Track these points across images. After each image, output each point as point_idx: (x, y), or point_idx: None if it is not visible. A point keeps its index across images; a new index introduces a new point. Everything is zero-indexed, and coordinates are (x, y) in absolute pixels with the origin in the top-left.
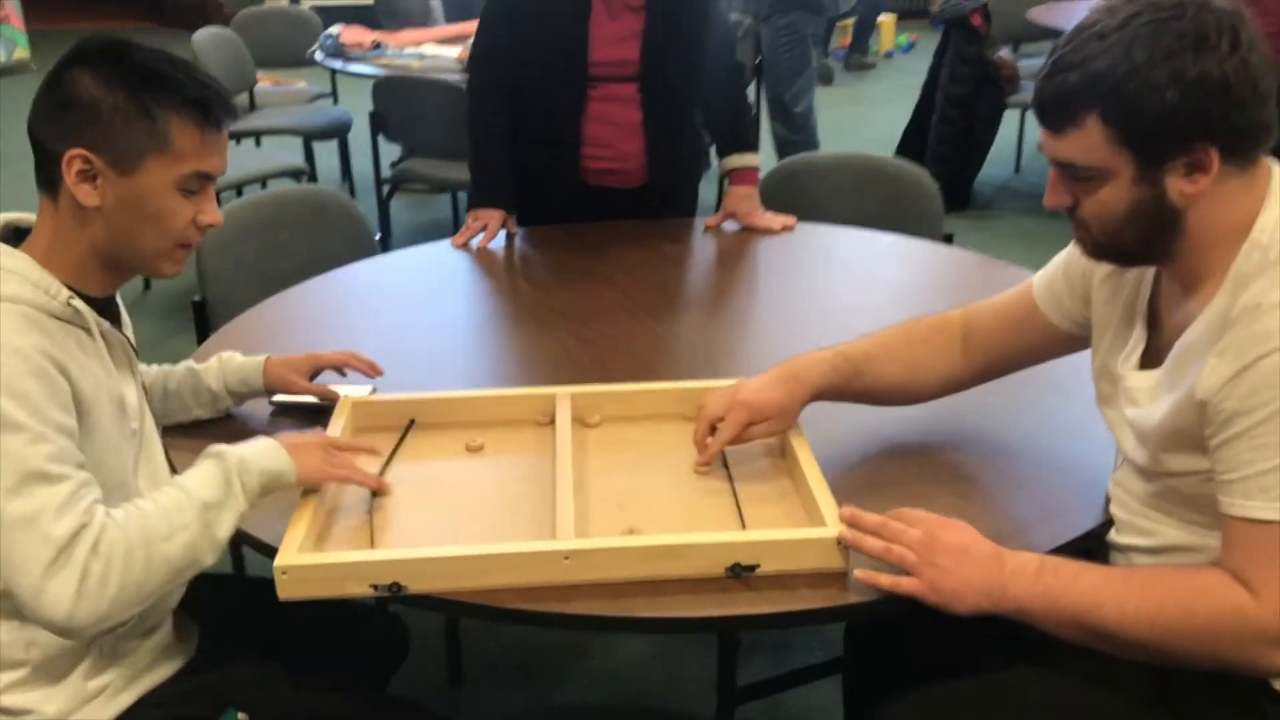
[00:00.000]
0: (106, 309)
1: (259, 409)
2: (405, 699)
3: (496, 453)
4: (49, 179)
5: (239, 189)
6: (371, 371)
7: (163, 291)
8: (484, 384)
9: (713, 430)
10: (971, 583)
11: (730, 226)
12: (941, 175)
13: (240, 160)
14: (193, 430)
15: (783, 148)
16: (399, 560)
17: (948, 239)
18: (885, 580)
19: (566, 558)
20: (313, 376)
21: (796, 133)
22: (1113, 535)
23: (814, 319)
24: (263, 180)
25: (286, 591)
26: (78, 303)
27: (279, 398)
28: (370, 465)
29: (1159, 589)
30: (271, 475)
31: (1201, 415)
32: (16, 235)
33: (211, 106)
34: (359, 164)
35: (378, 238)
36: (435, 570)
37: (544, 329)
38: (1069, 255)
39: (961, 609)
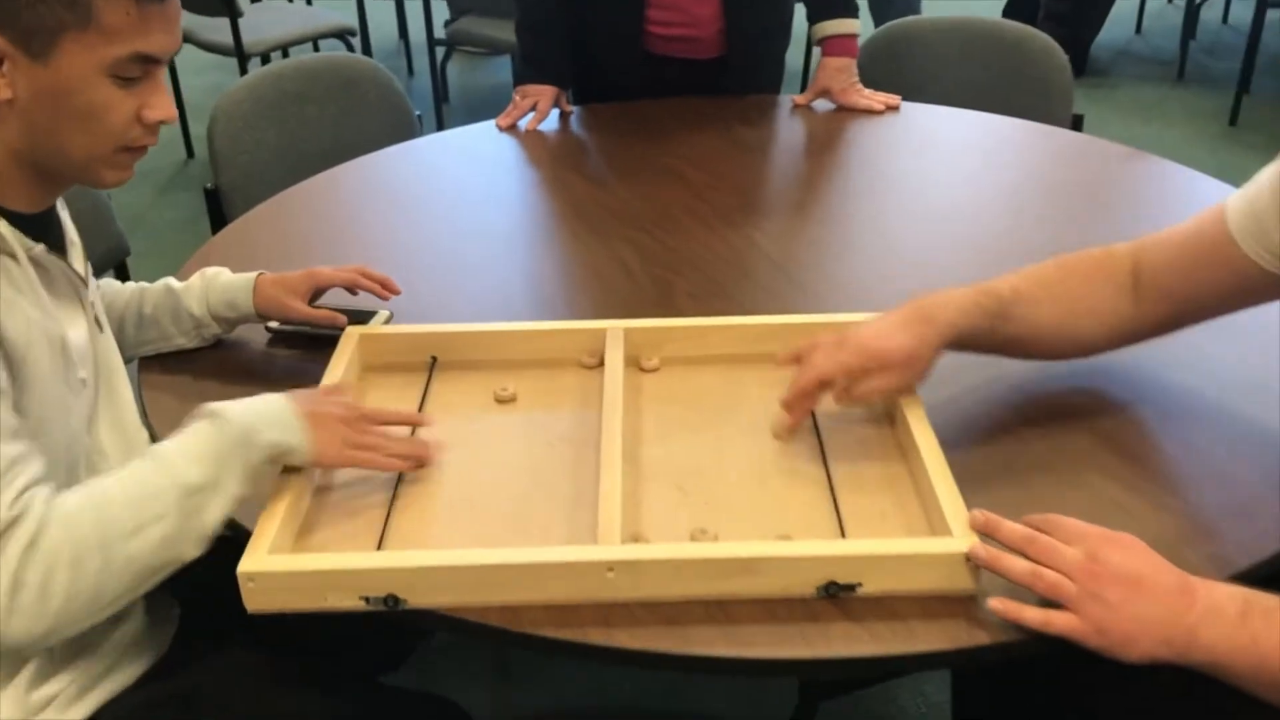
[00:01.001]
0: (41, 228)
1: (254, 336)
2: (412, 690)
3: (530, 406)
4: None
5: (285, 51)
6: (385, 292)
7: (206, 163)
8: (521, 309)
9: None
10: (1148, 623)
11: (822, 106)
12: (1056, 38)
13: (286, 18)
14: (174, 363)
15: (879, 10)
16: (395, 569)
17: (1077, 121)
18: (1033, 616)
19: (611, 570)
20: (314, 297)
21: None
22: None
23: (926, 226)
24: (312, 41)
25: (255, 603)
26: None
27: (275, 324)
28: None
29: None
30: (279, 450)
31: None
32: None
33: None
34: (415, 24)
35: (417, 114)
36: (441, 582)
37: (596, 237)
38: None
39: (1133, 656)
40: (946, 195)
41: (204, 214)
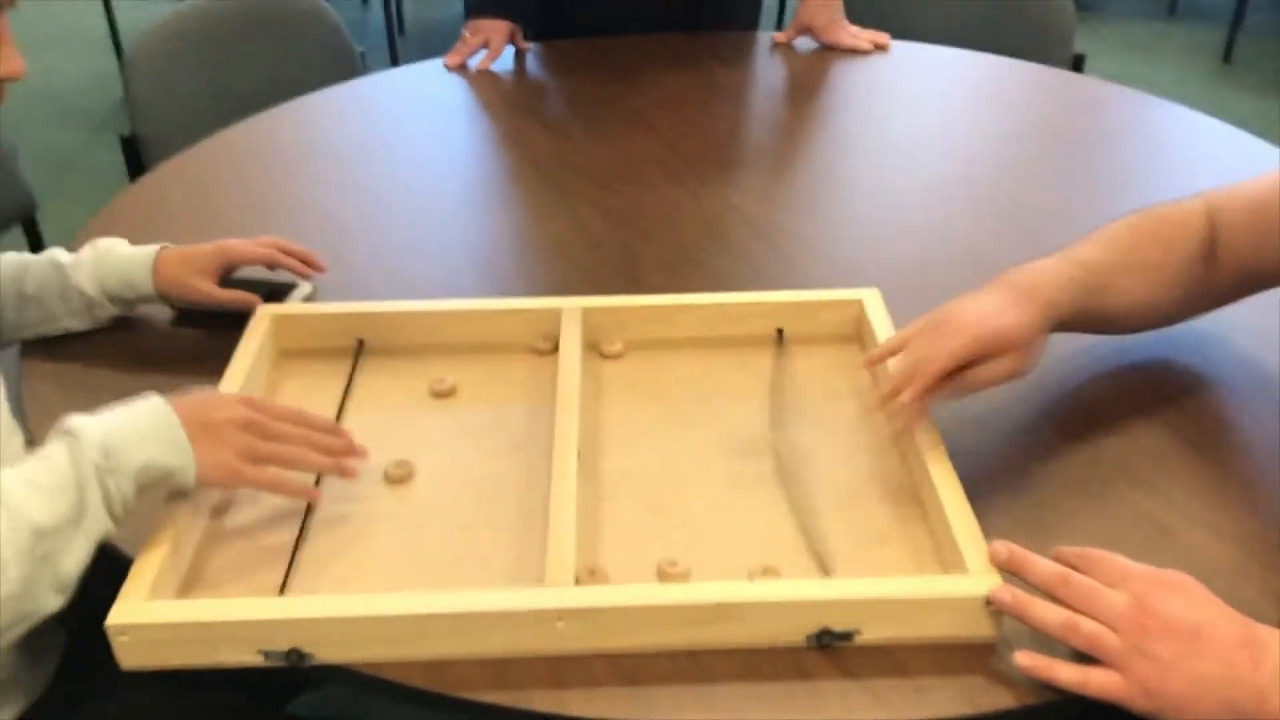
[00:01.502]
0: None
1: (157, 313)
2: None
3: (472, 401)
4: None
5: None
6: (306, 269)
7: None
8: (465, 284)
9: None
10: (1208, 685)
11: (805, 45)
12: None
13: None
14: (62, 347)
15: None
16: (299, 620)
17: (1078, 62)
18: (1068, 674)
19: (560, 619)
20: (225, 275)
21: None
22: None
23: (917, 183)
24: None
25: (131, 659)
26: None
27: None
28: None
29: None
30: (157, 474)
31: None
32: None
33: None
34: None
35: (360, 51)
36: (354, 634)
37: (554, 196)
38: None
39: None
40: (941, 145)
41: (95, 171)
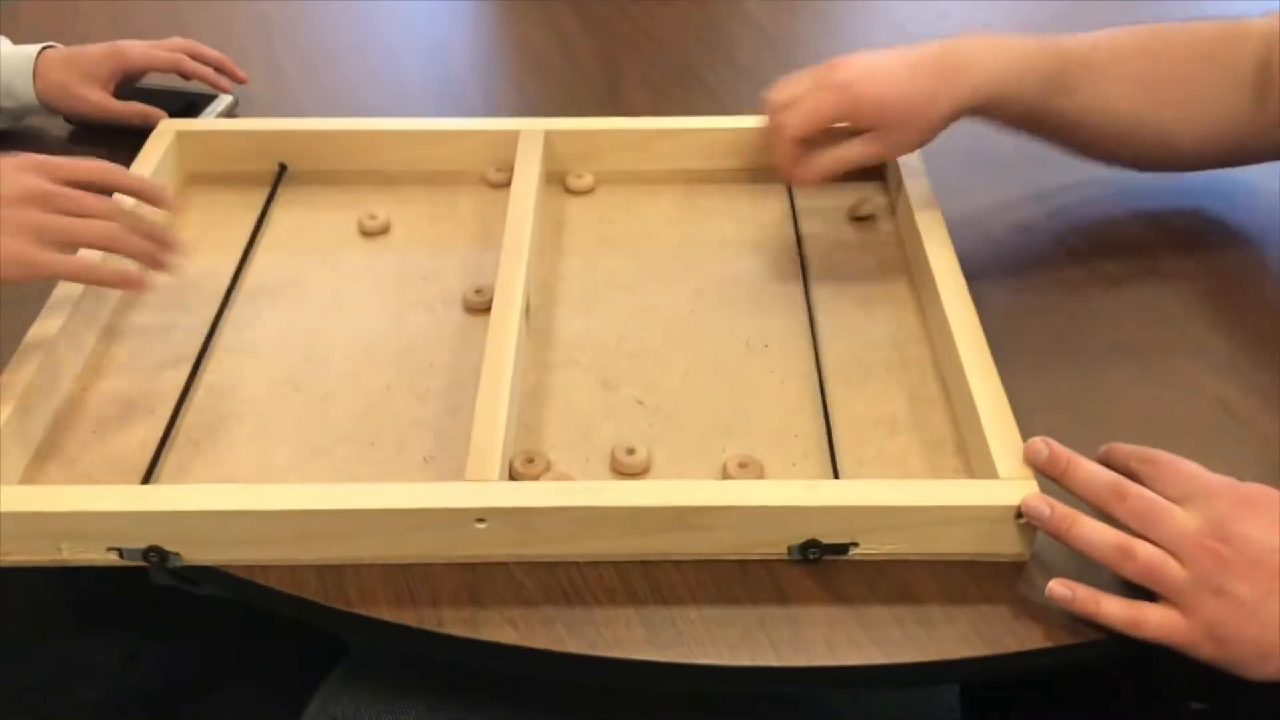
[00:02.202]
0: None
1: (49, 126)
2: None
3: (407, 242)
4: None
5: None
6: (220, 80)
7: None
8: (414, 101)
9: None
10: None
11: None
12: None
13: None
14: None
15: None
16: (160, 513)
17: None
18: (1116, 611)
19: (481, 520)
20: (123, 83)
21: None
22: None
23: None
24: None
25: None
26: None
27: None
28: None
29: None
30: None
31: None
32: None
33: None
34: None
35: None
36: (226, 529)
37: None
38: None
39: (1256, 672)
40: None
41: None
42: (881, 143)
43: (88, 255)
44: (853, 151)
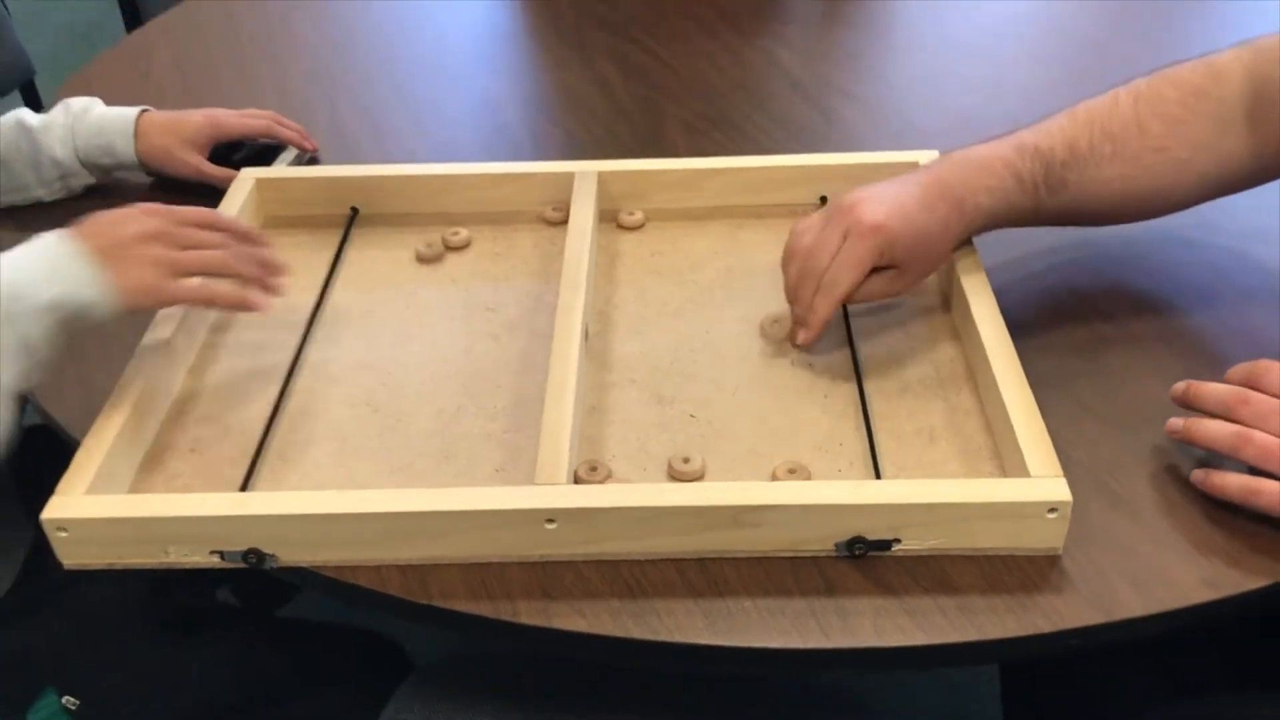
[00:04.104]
0: None
1: (134, 183)
2: (326, 625)
3: (472, 274)
4: None
5: None
6: (303, 142)
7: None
8: (469, 148)
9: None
10: None
11: None
12: None
13: None
14: (30, 217)
15: None
16: (257, 516)
17: None
18: (1236, 483)
19: (551, 520)
20: (211, 146)
21: None
22: None
23: (990, 30)
24: None
25: (71, 557)
26: None
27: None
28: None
29: None
30: (69, 310)
31: None
32: None
33: None
34: None
35: None
36: (320, 534)
37: (568, 48)
38: None
39: None
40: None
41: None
42: (905, 279)
43: (205, 283)
44: (879, 289)
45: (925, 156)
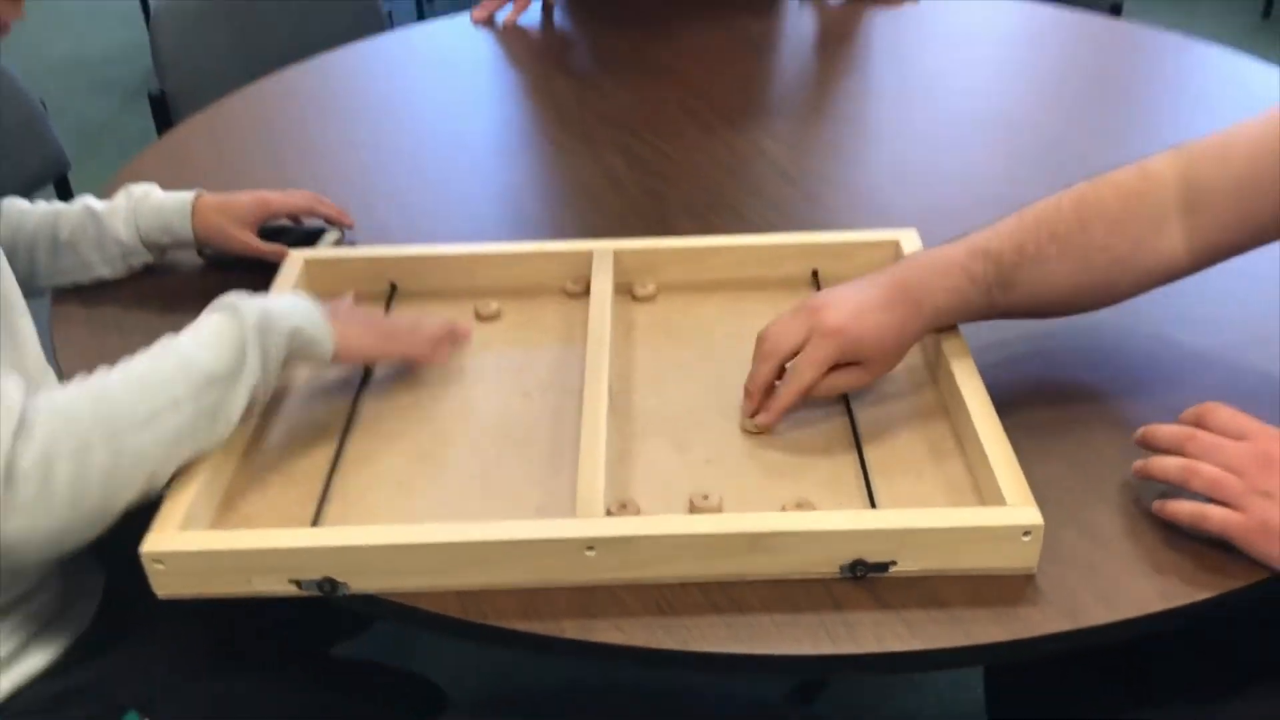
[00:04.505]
0: None
1: (186, 262)
2: (376, 666)
3: (505, 342)
4: None
5: None
6: (341, 220)
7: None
8: (495, 230)
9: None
10: None
11: None
12: None
13: None
14: (93, 293)
15: None
16: (331, 547)
17: (1115, 8)
18: (1187, 508)
19: (590, 548)
20: (259, 224)
21: None
22: None
23: (952, 131)
24: None
25: (165, 588)
26: None
27: (213, 250)
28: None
29: None
30: (303, 340)
31: None
32: None
33: None
34: None
35: (385, 10)
36: (386, 562)
37: (581, 144)
38: None
39: None
40: (975, 89)
41: (121, 129)
42: (868, 373)
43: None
44: (843, 382)
45: (906, 235)
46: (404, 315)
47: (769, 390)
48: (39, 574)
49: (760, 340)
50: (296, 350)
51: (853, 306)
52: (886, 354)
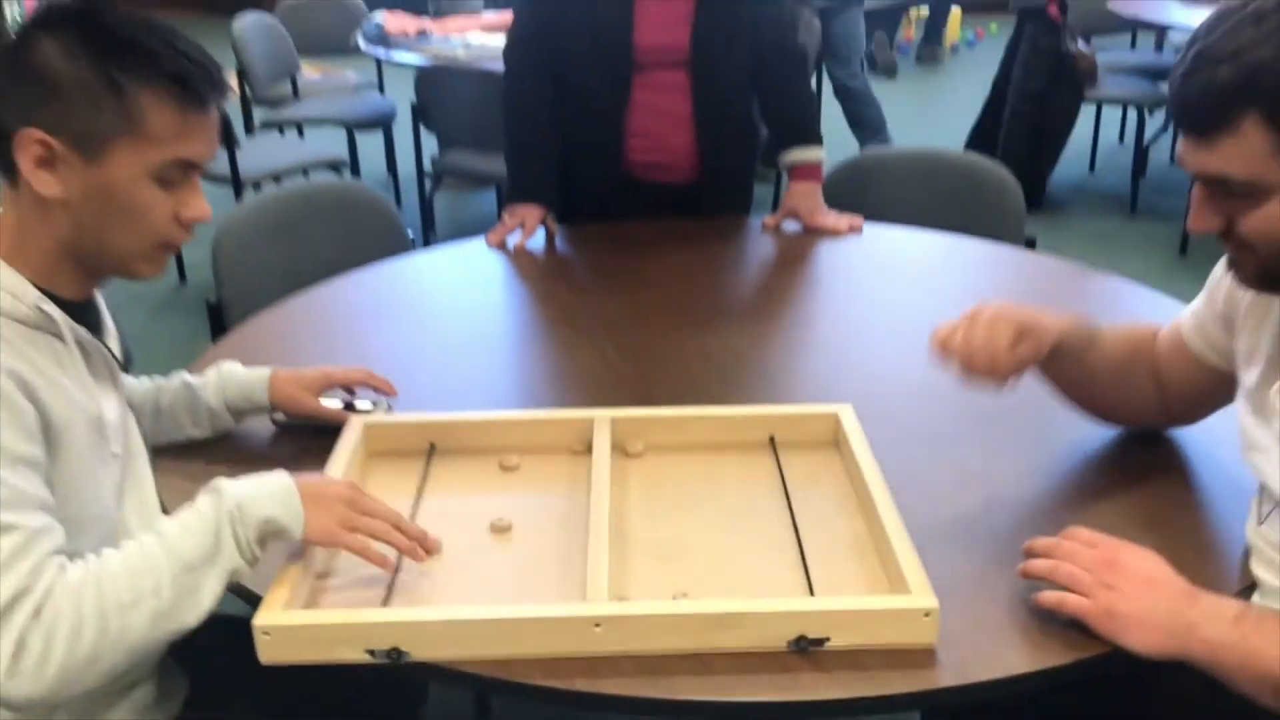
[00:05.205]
0: (84, 314)
1: (260, 426)
2: None
3: (523, 489)
4: (6, 163)
5: (278, 179)
6: (387, 391)
7: (199, 286)
8: (515, 403)
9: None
10: (1154, 614)
11: (790, 227)
12: (1014, 173)
13: (280, 151)
14: (186, 452)
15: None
16: (400, 622)
17: (1030, 244)
18: (1050, 597)
19: (598, 625)
20: (323, 393)
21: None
22: (1256, 599)
23: (886, 334)
24: (304, 171)
25: (269, 654)
26: (48, 306)
27: (283, 415)
28: (399, 505)
29: None
30: (275, 527)
31: None
32: None
33: (193, 82)
34: (404, 156)
35: (410, 236)
36: (441, 635)
37: (583, 339)
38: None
39: (1135, 641)
40: (904, 304)
41: (199, 335)
42: (1039, 344)
43: (364, 540)
44: (1028, 351)
45: (844, 409)
46: (387, 509)
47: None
48: (135, 673)
49: (940, 335)
50: (268, 534)
51: (1010, 305)
52: (1048, 330)
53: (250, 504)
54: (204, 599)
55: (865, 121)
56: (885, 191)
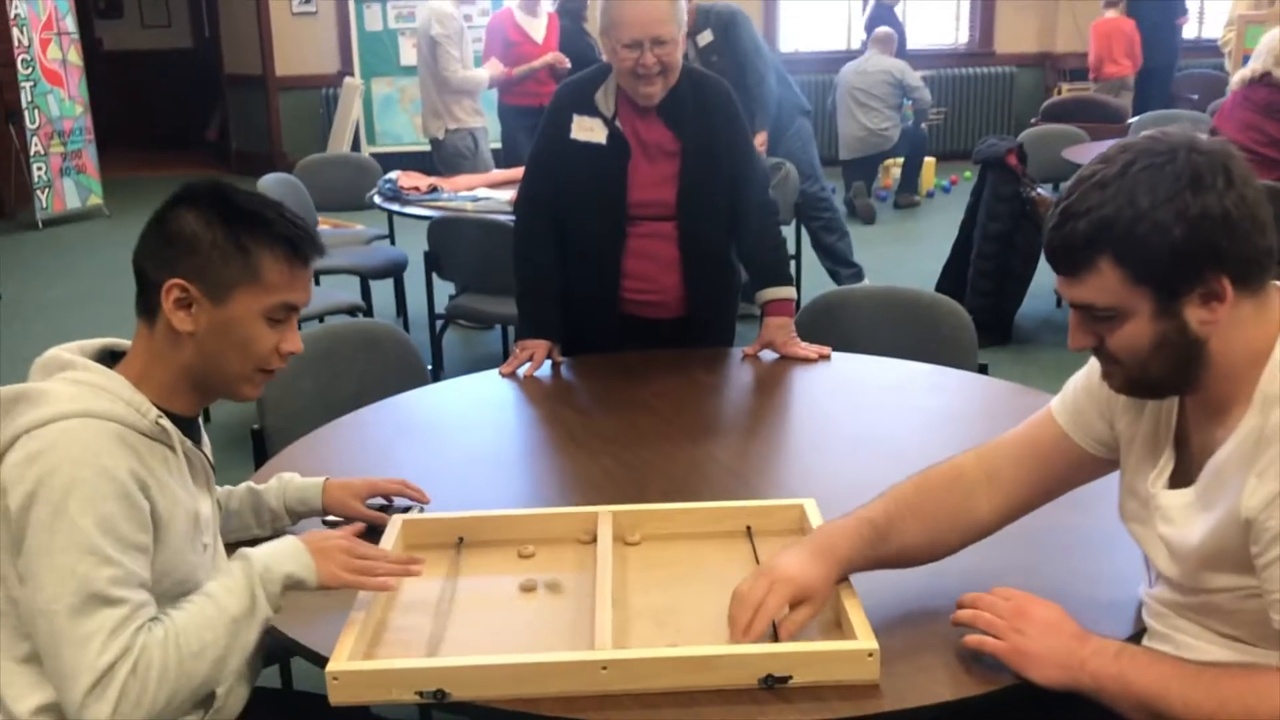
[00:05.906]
0: (190, 428)
1: (310, 523)
2: None
3: (537, 572)
4: (148, 306)
5: (299, 324)
6: (421, 498)
7: (222, 423)
8: (529, 504)
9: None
10: (1053, 652)
11: (767, 355)
12: (982, 310)
13: None
14: (248, 543)
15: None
16: (443, 668)
17: (982, 369)
18: (973, 639)
19: (604, 668)
20: (367, 499)
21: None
22: (1146, 642)
23: (847, 444)
24: (320, 316)
25: (338, 696)
26: (165, 422)
27: (332, 518)
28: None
29: (1225, 686)
30: (293, 580)
31: (1246, 534)
32: (111, 358)
33: (300, 244)
34: (414, 300)
35: (429, 369)
36: (478, 678)
37: (586, 452)
38: (1088, 375)
39: (1037, 675)
40: (867, 422)
41: (228, 460)
42: (814, 606)
43: (364, 577)
44: (801, 617)
45: (808, 503)
46: (376, 548)
47: (747, 628)
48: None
49: (736, 598)
50: (290, 586)
51: (795, 564)
52: (822, 591)
53: (273, 564)
54: (248, 643)
55: (836, 253)
56: (852, 326)
